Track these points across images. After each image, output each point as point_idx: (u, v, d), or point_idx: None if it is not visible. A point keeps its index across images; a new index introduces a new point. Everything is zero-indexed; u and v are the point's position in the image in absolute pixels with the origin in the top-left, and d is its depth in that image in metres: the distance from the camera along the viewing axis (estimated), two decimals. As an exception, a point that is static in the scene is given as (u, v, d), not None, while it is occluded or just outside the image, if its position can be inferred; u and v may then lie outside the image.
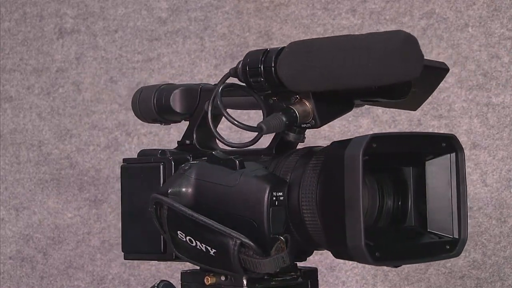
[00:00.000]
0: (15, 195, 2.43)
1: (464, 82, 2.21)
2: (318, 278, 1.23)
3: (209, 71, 2.31)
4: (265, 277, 1.18)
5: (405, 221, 1.16)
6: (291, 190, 1.15)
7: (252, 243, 1.12)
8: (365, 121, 2.26)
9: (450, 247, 1.12)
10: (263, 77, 1.16)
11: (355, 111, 2.43)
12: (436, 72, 1.18)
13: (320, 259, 2.22)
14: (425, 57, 1.08)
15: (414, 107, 1.22)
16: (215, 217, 1.16)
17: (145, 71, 2.39)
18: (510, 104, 2.20)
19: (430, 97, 2.18)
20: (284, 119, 1.14)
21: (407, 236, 1.15)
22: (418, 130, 2.23)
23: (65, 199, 2.41)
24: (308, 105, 1.16)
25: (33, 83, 2.45)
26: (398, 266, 1.16)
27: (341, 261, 2.24)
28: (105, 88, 2.39)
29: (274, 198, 1.13)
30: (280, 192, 1.15)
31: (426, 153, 1.15)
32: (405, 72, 1.07)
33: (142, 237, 1.29)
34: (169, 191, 1.21)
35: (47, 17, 2.46)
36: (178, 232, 1.18)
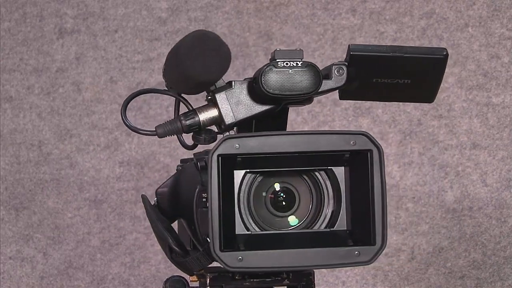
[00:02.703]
0: (15, 195, 2.43)
1: (464, 82, 2.21)
2: (315, 280, 1.21)
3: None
4: (237, 277, 1.19)
5: (334, 225, 1.15)
6: None
7: (173, 246, 1.17)
8: (365, 121, 2.26)
9: (361, 254, 1.09)
10: None
11: (355, 111, 2.44)
12: (429, 61, 1.17)
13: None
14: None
15: (429, 99, 1.22)
16: (185, 215, 1.20)
17: (145, 71, 2.39)
18: (510, 104, 2.20)
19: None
20: (183, 122, 1.17)
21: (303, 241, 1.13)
22: (418, 130, 2.23)
23: (65, 199, 2.40)
24: (215, 108, 1.17)
25: (33, 83, 2.45)
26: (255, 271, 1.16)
27: (341, 261, 2.24)
28: (105, 88, 2.39)
29: (204, 200, 1.14)
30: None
31: (336, 154, 1.12)
32: (196, 70, 1.08)
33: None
34: (157, 191, 1.24)
35: (47, 17, 2.46)
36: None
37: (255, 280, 1.18)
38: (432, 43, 2.22)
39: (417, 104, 2.22)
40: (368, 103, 2.25)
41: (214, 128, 1.20)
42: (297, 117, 2.28)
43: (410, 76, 1.17)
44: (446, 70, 2.05)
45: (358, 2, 2.29)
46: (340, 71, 1.17)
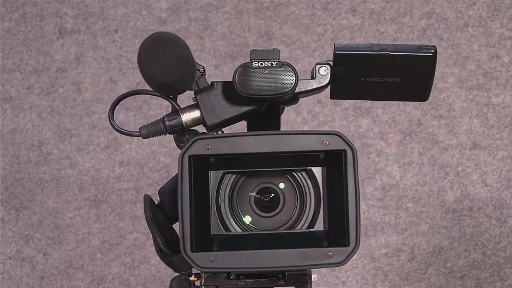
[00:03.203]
0: (15, 195, 2.43)
1: (464, 82, 2.21)
2: (311, 280, 1.21)
3: (209, 71, 2.31)
4: (231, 277, 1.19)
5: (314, 226, 1.15)
6: None
7: (160, 245, 1.18)
8: (365, 121, 2.26)
9: (334, 255, 1.09)
10: None
11: (355, 111, 2.43)
12: (417, 60, 1.15)
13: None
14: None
15: (423, 98, 1.21)
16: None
17: (145, 71, 2.39)
18: (510, 104, 2.20)
19: (430, 97, 2.18)
20: (166, 123, 1.18)
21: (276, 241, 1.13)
22: (418, 130, 2.23)
23: (65, 199, 2.40)
24: (198, 109, 1.18)
25: (33, 83, 2.45)
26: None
27: (341, 261, 2.24)
28: (105, 88, 2.39)
29: None
30: None
31: (311, 154, 1.11)
32: (156, 73, 1.07)
33: None
34: (159, 191, 1.25)
35: (47, 17, 2.46)
36: None
37: (249, 280, 1.19)
38: (432, 43, 2.22)
39: (417, 104, 2.22)
40: (368, 103, 2.25)
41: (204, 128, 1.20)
42: (297, 117, 2.28)
43: (399, 74, 1.16)
44: (446, 70, 2.04)
45: (358, 2, 2.29)
46: (324, 70, 1.16)
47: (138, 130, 1.19)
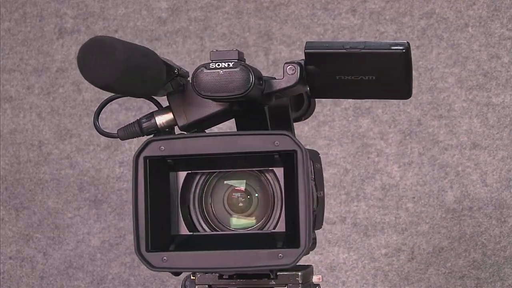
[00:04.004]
0: (15, 195, 2.43)
1: (464, 82, 2.21)
2: (308, 282, 1.21)
3: (209, 71, 2.31)
4: (224, 277, 1.19)
5: (276, 227, 1.15)
6: None
7: None
8: (365, 121, 2.26)
9: (284, 256, 1.09)
10: None
11: (355, 111, 2.43)
12: (388, 56, 1.12)
13: (320, 259, 2.22)
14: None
15: (404, 96, 1.19)
16: None
17: (145, 71, 2.39)
18: (510, 104, 2.20)
19: (430, 97, 2.18)
20: (141, 125, 1.19)
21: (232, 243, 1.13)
22: (418, 130, 2.23)
23: (65, 199, 2.40)
24: (170, 111, 1.19)
25: (33, 83, 2.45)
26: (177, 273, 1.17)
27: (341, 261, 2.24)
28: (105, 88, 2.39)
29: None
30: None
31: (261, 154, 1.11)
32: (92, 77, 1.08)
33: None
34: None
35: (47, 17, 2.46)
36: None
37: (241, 280, 1.19)
38: (432, 43, 2.22)
39: (417, 104, 2.22)
40: (368, 103, 2.25)
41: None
42: (297, 117, 2.28)
43: (373, 72, 1.14)
44: (446, 70, 2.04)
45: (358, 2, 2.29)
46: (291, 69, 1.16)
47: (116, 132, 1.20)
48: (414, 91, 2.22)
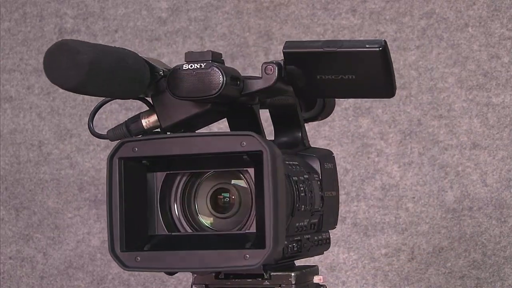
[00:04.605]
0: (15, 195, 2.43)
1: (464, 82, 2.21)
2: (294, 283, 1.21)
3: (209, 71, 2.31)
4: (220, 276, 1.20)
5: (250, 227, 1.15)
6: None
7: None
8: (365, 121, 2.25)
9: (250, 257, 1.08)
10: None
11: (355, 111, 2.43)
12: (364, 55, 1.12)
13: (320, 259, 2.21)
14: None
15: (387, 95, 1.18)
16: None
17: (145, 71, 2.39)
18: (510, 104, 2.20)
19: (430, 97, 2.17)
20: (128, 127, 1.21)
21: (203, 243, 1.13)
22: (418, 130, 2.23)
23: (65, 199, 2.40)
24: (154, 113, 1.20)
25: (33, 83, 2.45)
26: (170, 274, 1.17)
27: (341, 261, 2.24)
28: (105, 88, 2.39)
29: None
30: None
31: (230, 155, 1.11)
32: (56, 80, 1.08)
33: None
34: None
35: (47, 17, 2.46)
36: None
37: (236, 280, 1.19)
38: (432, 43, 2.22)
39: (417, 104, 2.22)
40: (368, 103, 2.25)
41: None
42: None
43: (352, 71, 1.13)
44: (446, 70, 2.04)
45: (358, 2, 2.29)
46: (269, 69, 1.16)
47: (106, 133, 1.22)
48: (414, 91, 2.23)
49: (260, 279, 1.19)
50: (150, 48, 2.39)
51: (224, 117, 1.23)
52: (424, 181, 2.22)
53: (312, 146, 1.36)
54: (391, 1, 2.27)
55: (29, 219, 2.42)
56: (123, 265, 1.11)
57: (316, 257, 2.22)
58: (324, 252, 1.36)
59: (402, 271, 2.21)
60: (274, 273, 1.19)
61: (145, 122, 1.21)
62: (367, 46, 1.11)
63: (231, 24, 2.36)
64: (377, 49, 1.10)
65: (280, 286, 1.19)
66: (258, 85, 1.16)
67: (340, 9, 2.30)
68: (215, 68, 1.12)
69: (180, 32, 2.38)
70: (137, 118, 1.22)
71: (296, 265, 1.28)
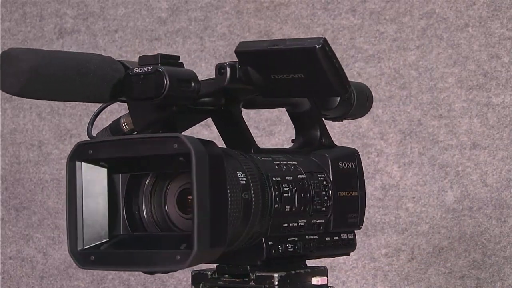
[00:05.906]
0: (15, 195, 2.43)
1: (464, 82, 2.21)
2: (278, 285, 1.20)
3: (209, 71, 2.31)
4: (214, 276, 1.20)
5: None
6: None
7: None
8: (365, 121, 2.26)
9: (181, 258, 1.07)
10: None
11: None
12: (303, 53, 1.11)
13: (320, 259, 2.22)
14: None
15: (339, 93, 1.18)
16: None
17: (145, 71, 2.39)
18: (510, 104, 2.20)
19: (430, 97, 2.18)
20: (111, 129, 1.23)
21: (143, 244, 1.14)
22: (418, 130, 2.23)
23: (65, 199, 2.40)
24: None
25: (33, 83, 2.45)
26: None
27: (341, 261, 2.24)
28: (105, 88, 2.39)
29: None
30: None
31: (166, 158, 1.10)
32: (2, 87, 1.09)
33: None
34: None
35: (47, 17, 2.46)
36: None
37: (227, 280, 1.19)
38: (432, 43, 2.22)
39: (417, 104, 2.22)
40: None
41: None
42: (297, 117, 2.27)
43: (300, 70, 1.13)
44: (446, 70, 2.03)
45: (358, 2, 2.29)
46: (221, 70, 1.16)
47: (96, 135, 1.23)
48: (414, 91, 2.23)
49: (247, 279, 1.19)
50: (150, 48, 2.39)
51: (207, 117, 1.24)
52: (424, 181, 2.22)
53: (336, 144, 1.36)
54: (391, 1, 2.27)
55: (29, 219, 2.42)
56: (79, 264, 1.12)
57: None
58: (351, 253, 1.34)
59: (402, 271, 2.21)
60: (259, 274, 1.18)
61: (124, 125, 1.22)
62: (305, 44, 1.11)
63: (231, 24, 2.36)
64: (315, 46, 1.10)
65: (264, 286, 1.18)
66: (212, 86, 1.17)
67: (340, 9, 2.30)
68: (159, 73, 1.12)
69: (180, 32, 2.38)
70: (118, 120, 1.23)
71: (308, 265, 1.27)
